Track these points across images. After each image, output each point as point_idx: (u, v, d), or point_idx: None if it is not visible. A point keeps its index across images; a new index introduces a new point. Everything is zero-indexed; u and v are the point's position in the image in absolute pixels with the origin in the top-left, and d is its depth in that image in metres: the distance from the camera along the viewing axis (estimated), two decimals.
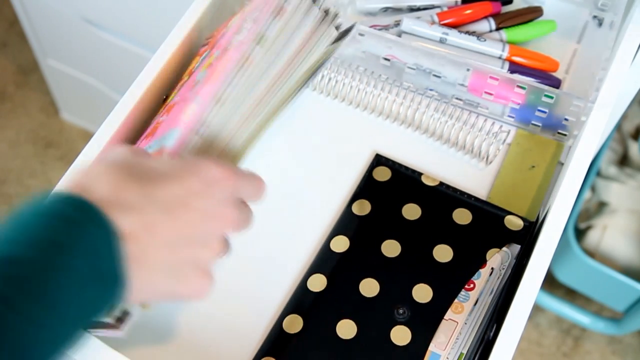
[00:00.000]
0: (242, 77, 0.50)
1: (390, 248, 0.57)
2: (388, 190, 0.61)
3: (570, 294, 1.34)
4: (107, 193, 0.39)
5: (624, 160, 1.27)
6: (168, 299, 0.43)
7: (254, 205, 0.47)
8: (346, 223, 0.59)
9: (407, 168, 0.62)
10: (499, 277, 0.56)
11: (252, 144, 0.52)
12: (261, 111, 0.52)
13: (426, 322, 0.54)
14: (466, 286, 0.55)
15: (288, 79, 0.53)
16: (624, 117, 1.27)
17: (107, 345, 0.45)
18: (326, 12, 0.54)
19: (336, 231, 0.59)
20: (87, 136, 1.50)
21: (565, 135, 0.63)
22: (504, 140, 0.62)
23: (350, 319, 0.54)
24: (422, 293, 0.55)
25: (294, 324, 0.54)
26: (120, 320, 0.46)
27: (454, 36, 0.64)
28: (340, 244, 0.58)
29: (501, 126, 0.62)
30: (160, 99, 0.60)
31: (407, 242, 0.58)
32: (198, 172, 0.42)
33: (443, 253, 0.57)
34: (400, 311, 0.55)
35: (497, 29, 0.67)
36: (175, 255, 0.41)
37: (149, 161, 0.43)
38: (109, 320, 0.46)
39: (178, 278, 0.41)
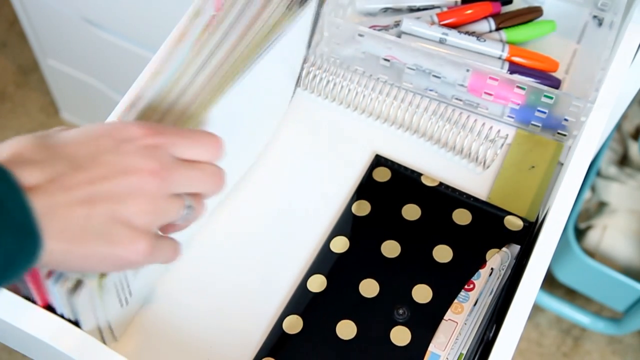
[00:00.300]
0: (181, 49, 0.49)
1: (390, 248, 0.57)
2: (388, 190, 0.61)
3: (570, 294, 1.34)
4: (9, 153, 0.38)
5: (624, 160, 1.27)
6: (108, 264, 0.40)
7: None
8: (346, 223, 0.59)
9: (406, 168, 0.62)
10: (498, 278, 0.56)
11: (212, 105, 0.50)
12: (221, 75, 0.50)
13: (426, 323, 0.54)
14: (466, 286, 0.55)
15: (249, 44, 0.52)
16: (624, 117, 1.27)
17: (105, 346, 0.45)
18: None
19: (336, 232, 0.59)
20: None
21: (565, 135, 0.63)
22: (502, 145, 0.62)
23: (350, 319, 0.54)
24: (422, 293, 0.55)
25: (294, 324, 0.54)
26: (74, 288, 0.44)
27: (453, 36, 0.64)
28: (340, 245, 0.58)
29: (499, 131, 0.62)
30: None
31: (407, 243, 0.58)
32: (111, 132, 0.41)
33: (443, 253, 0.57)
34: (400, 311, 0.55)
35: (497, 29, 0.67)
36: (93, 211, 0.38)
37: (68, 131, 0.41)
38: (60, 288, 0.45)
39: (107, 237, 0.39)
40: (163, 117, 0.48)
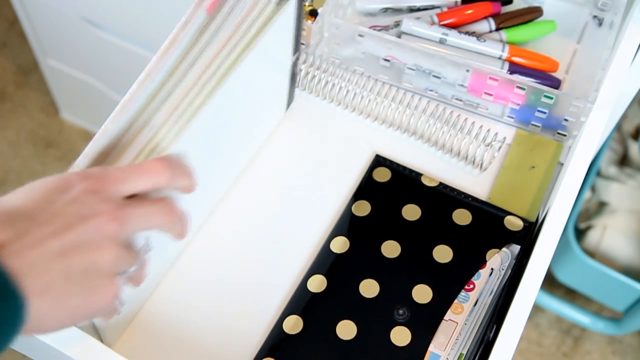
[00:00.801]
0: (149, 84, 0.48)
1: (390, 249, 0.57)
2: (388, 190, 0.61)
3: (570, 294, 1.34)
4: None
5: (624, 160, 1.27)
6: (88, 314, 0.40)
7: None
8: (346, 224, 0.59)
9: (406, 169, 0.62)
10: (498, 278, 0.56)
11: (202, 107, 0.49)
12: (207, 77, 0.49)
13: (426, 323, 0.54)
14: (466, 287, 0.55)
15: (236, 44, 0.51)
16: (624, 117, 1.27)
17: (105, 346, 0.45)
18: None
19: (336, 232, 0.59)
20: (87, 136, 1.50)
21: (565, 135, 0.63)
22: (499, 148, 0.62)
23: (350, 319, 0.54)
24: (422, 294, 0.55)
25: (294, 324, 0.54)
26: None
27: (453, 37, 0.64)
28: (340, 245, 0.58)
29: (496, 134, 0.62)
30: None
31: (407, 243, 0.58)
32: (53, 185, 0.40)
33: (443, 254, 0.57)
34: (400, 312, 0.55)
35: (497, 29, 0.68)
36: (70, 262, 0.38)
37: (7, 196, 0.40)
38: None
39: (86, 287, 0.38)
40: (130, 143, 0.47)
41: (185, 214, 0.45)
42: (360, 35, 0.64)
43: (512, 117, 0.64)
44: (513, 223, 0.59)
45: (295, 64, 0.61)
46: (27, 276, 0.36)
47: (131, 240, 0.43)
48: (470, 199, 0.60)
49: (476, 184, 0.62)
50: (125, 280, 0.45)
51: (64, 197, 0.39)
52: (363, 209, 0.60)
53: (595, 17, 0.69)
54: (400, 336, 0.54)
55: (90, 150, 0.45)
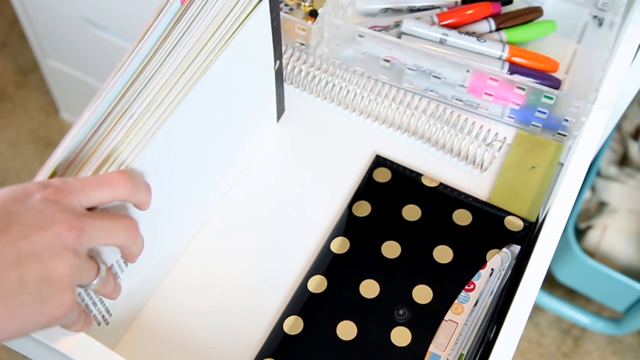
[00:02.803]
0: (120, 78, 0.47)
1: (391, 249, 0.57)
2: (388, 191, 0.61)
3: (570, 294, 1.34)
4: None
5: (624, 160, 1.27)
6: (40, 324, 0.39)
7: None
8: (346, 224, 0.59)
9: (406, 169, 0.62)
10: (499, 278, 0.56)
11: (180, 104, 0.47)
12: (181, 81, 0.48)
13: (426, 323, 0.54)
14: (466, 287, 0.55)
15: (207, 41, 0.49)
16: (624, 117, 1.27)
17: (105, 347, 0.45)
18: None
19: (336, 232, 0.59)
20: None
21: (565, 135, 0.63)
22: (500, 148, 0.62)
23: (351, 320, 0.54)
24: (422, 294, 0.55)
25: (294, 325, 0.54)
26: None
27: (453, 37, 0.64)
28: (341, 245, 0.58)
29: (497, 134, 0.62)
30: None
31: (407, 243, 0.58)
32: (13, 195, 0.39)
33: (443, 254, 0.57)
34: (401, 312, 0.55)
35: (497, 29, 0.68)
36: (25, 271, 0.37)
37: None
38: None
39: (39, 297, 0.38)
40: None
41: (142, 238, 0.44)
42: (361, 36, 0.64)
43: (512, 118, 0.64)
44: (513, 223, 0.59)
45: (279, 72, 0.60)
46: None
47: (94, 253, 0.43)
48: (470, 199, 0.60)
49: (476, 184, 0.62)
50: (95, 293, 0.45)
51: (22, 207, 0.39)
52: (363, 209, 0.60)
53: (595, 17, 0.69)
54: (401, 336, 0.54)
55: (55, 158, 0.44)
